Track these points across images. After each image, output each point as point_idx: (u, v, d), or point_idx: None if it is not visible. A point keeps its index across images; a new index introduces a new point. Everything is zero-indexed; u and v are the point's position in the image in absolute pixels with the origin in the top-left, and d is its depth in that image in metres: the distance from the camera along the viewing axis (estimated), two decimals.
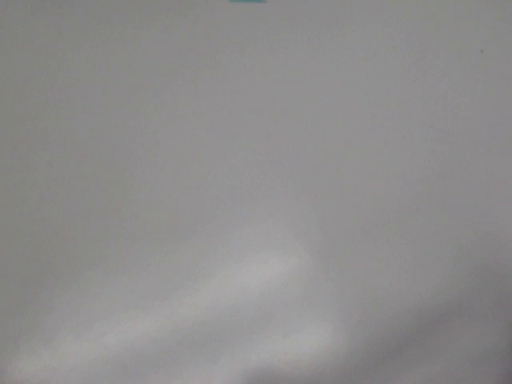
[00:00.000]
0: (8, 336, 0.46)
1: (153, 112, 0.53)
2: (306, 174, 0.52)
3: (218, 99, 0.55)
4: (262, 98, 0.55)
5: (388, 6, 0.59)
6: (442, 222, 0.51)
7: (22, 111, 0.55)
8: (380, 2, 0.59)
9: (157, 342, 0.44)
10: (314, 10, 0.59)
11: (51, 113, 0.49)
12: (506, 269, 0.49)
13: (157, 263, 0.47)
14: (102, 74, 0.56)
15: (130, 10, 0.60)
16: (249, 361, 0.45)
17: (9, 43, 0.57)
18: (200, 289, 0.45)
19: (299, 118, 0.55)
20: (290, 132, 0.54)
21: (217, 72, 0.56)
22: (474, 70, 0.57)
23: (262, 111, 0.55)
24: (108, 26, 0.58)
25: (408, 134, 0.54)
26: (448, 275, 0.49)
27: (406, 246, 0.50)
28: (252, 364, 0.45)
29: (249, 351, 0.46)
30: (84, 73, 0.56)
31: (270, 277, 0.49)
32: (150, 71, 0.55)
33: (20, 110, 0.55)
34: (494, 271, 0.49)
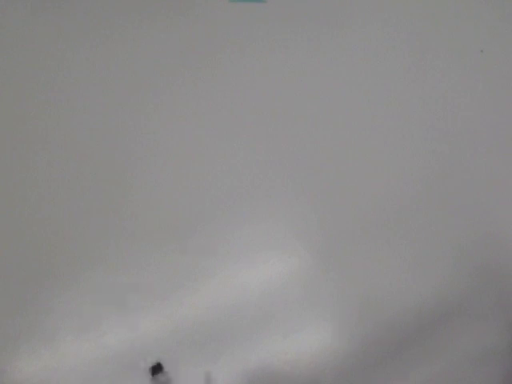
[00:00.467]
0: (8, 336, 0.46)
1: (153, 112, 0.53)
2: (306, 174, 0.52)
3: (218, 99, 0.55)
4: (262, 98, 0.55)
5: (388, 5, 0.59)
6: (442, 222, 0.51)
7: (22, 111, 0.55)
8: (380, 2, 0.59)
9: (157, 341, 0.44)
10: (314, 10, 0.59)
11: (51, 113, 0.49)
12: (506, 269, 0.49)
13: (157, 263, 0.47)
14: (102, 74, 0.56)
15: (130, 10, 0.60)
16: (249, 361, 0.45)
17: (9, 43, 0.57)
18: (200, 289, 0.45)
19: (299, 117, 0.55)
20: (290, 132, 0.54)
21: (217, 72, 0.56)
22: (474, 70, 0.57)
23: (262, 111, 0.55)
24: (108, 26, 0.58)
25: (408, 134, 0.54)
26: (448, 275, 0.49)
27: (406, 246, 0.50)
28: (252, 364, 0.45)
29: (249, 351, 0.46)
30: (84, 73, 0.56)
31: (269, 277, 0.49)
32: (149, 71, 0.55)
33: (20, 110, 0.55)
34: (494, 271, 0.49)
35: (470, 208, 0.51)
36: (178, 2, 0.60)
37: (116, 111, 0.52)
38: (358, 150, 0.53)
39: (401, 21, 0.59)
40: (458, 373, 0.46)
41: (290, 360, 0.46)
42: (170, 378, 0.40)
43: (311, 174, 0.52)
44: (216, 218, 0.50)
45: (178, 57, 0.56)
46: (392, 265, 0.49)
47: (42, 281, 0.48)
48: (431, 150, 0.53)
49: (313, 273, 0.49)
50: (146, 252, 0.47)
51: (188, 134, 0.53)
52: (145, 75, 0.54)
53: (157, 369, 0.42)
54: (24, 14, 0.58)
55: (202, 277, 0.47)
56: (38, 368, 0.45)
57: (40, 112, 0.54)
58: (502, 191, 0.52)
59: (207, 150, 0.53)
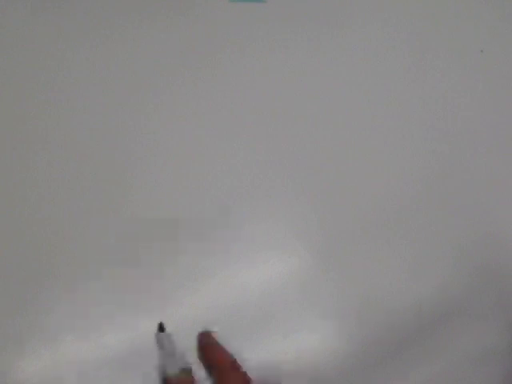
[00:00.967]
0: (8, 336, 0.46)
1: (153, 112, 0.53)
2: (306, 174, 0.52)
3: (217, 99, 0.55)
4: (262, 98, 0.55)
5: (388, 5, 0.59)
6: (442, 221, 0.51)
7: (22, 111, 0.55)
8: (380, 2, 0.59)
9: None
10: (314, 10, 0.59)
11: (51, 113, 0.49)
12: (506, 269, 0.49)
13: (157, 263, 0.47)
14: (102, 74, 0.56)
15: (130, 10, 0.60)
16: (249, 361, 0.45)
17: (9, 43, 0.57)
18: (200, 289, 0.45)
19: (299, 118, 0.55)
20: (290, 132, 0.54)
21: (217, 72, 0.56)
22: (474, 70, 0.57)
23: (262, 111, 0.55)
24: (108, 26, 0.58)
25: (408, 134, 0.54)
26: (448, 275, 0.49)
27: (406, 246, 0.50)
28: (252, 364, 0.45)
29: (249, 351, 0.46)
30: (84, 73, 0.56)
31: (270, 277, 0.49)
32: (150, 71, 0.55)
33: (20, 110, 0.55)
34: (495, 271, 0.49)
35: (470, 208, 0.51)
36: (177, 1, 0.60)
37: (116, 111, 0.52)
38: (358, 149, 0.53)
39: (401, 21, 0.59)
40: (458, 373, 0.46)
41: (290, 360, 0.46)
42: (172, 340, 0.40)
43: (311, 173, 0.52)
44: (216, 218, 0.50)
45: (177, 57, 0.56)
46: (392, 265, 0.49)
47: (42, 281, 0.48)
48: (431, 150, 0.53)
49: (313, 273, 0.49)
50: (146, 252, 0.47)
51: (188, 134, 0.53)
52: (145, 75, 0.54)
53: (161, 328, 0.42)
54: (24, 14, 0.58)
55: (202, 277, 0.47)
56: (38, 368, 0.45)
57: (40, 112, 0.54)
58: (502, 191, 0.52)
59: (207, 149, 0.53)
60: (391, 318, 0.47)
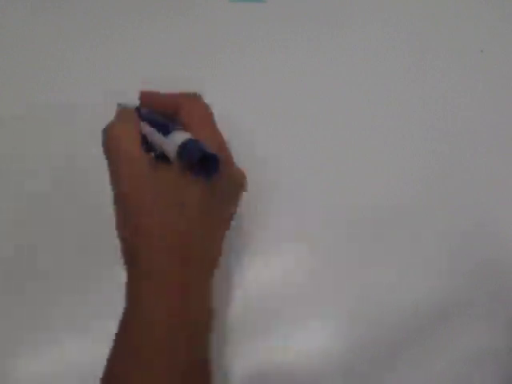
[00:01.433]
0: (8, 336, 0.46)
1: None
2: (306, 174, 0.52)
3: (217, 99, 0.55)
4: (262, 98, 0.55)
5: (388, 5, 0.59)
6: (442, 221, 0.51)
7: (22, 111, 0.55)
8: (380, 2, 0.59)
9: None
10: (314, 10, 0.59)
11: (51, 113, 0.49)
12: (506, 269, 0.49)
13: None
14: (102, 74, 0.56)
15: (130, 10, 0.60)
16: (249, 361, 0.45)
17: (9, 43, 0.57)
18: None
19: (299, 117, 0.55)
20: (290, 132, 0.54)
21: (217, 72, 0.56)
22: (474, 70, 0.57)
23: (262, 111, 0.55)
24: (108, 26, 0.58)
25: (408, 133, 0.54)
26: (448, 275, 0.49)
27: (405, 246, 0.50)
28: (252, 364, 0.45)
29: (249, 351, 0.46)
30: (84, 73, 0.56)
31: (270, 276, 0.49)
32: (150, 71, 0.55)
33: (20, 110, 0.55)
34: (494, 271, 0.49)
35: (469, 207, 0.51)
36: (178, 2, 0.60)
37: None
38: (358, 149, 0.53)
39: (401, 21, 0.59)
40: (457, 373, 0.46)
41: (290, 360, 0.46)
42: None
43: (311, 173, 0.52)
44: None
45: (178, 57, 0.56)
46: (392, 265, 0.49)
47: (42, 281, 0.48)
48: (431, 149, 0.53)
49: (313, 273, 0.49)
50: None
51: None
52: (145, 75, 0.54)
53: None
54: (24, 14, 0.58)
55: None
56: (38, 368, 0.45)
57: (40, 112, 0.54)
58: (503, 191, 0.52)
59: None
60: (390, 319, 0.47)
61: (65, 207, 0.50)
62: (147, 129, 0.37)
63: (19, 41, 0.57)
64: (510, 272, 0.49)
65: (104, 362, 0.35)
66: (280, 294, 0.48)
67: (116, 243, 0.38)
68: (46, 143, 0.53)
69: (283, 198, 0.51)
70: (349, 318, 0.47)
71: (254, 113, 0.54)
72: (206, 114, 0.39)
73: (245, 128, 0.54)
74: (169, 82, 0.55)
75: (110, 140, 0.36)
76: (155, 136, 0.36)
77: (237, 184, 0.40)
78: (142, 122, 0.38)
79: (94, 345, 0.41)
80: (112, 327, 0.36)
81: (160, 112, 0.39)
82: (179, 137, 0.34)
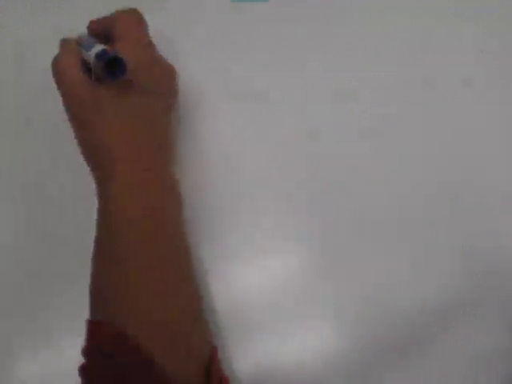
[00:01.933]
0: (8, 336, 0.46)
1: None
2: (306, 174, 0.52)
3: (218, 99, 0.55)
4: (262, 98, 0.55)
5: (388, 5, 0.59)
6: (443, 222, 0.51)
7: (22, 111, 0.55)
8: (380, 2, 0.59)
9: None
10: (317, 10, 0.58)
11: (51, 113, 0.49)
12: (506, 269, 0.49)
13: None
14: None
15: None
16: (248, 361, 0.45)
17: (9, 43, 0.57)
18: (200, 289, 0.45)
19: (299, 117, 0.55)
20: (290, 131, 0.54)
21: (218, 72, 0.56)
22: (474, 70, 0.57)
23: (262, 111, 0.55)
24: None
25: (408, 133, 0.54)
26: (448, 275, 0.49)
27: (406, 246, 0.50)
28: (252, 364, 0.45)
29: (249, 351, 0.46)
30: None
31: (270, 276, 0.49)
32: None
33: (20, 110, 0.55)
34: (495, 271, 0.49)
35: (470, 208, 0.51)
36: (178, 1, 0.60)
37: None
38: (357, 149, 0.53)
39: (401, 21, 0.59)
40: (458, 373, 0.46)
41: (291, 360, 0.46)
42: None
43: (311, 173, 0.52)
44: (215, 219, 0.50)
45: (178, 56, 0.56)
46: (392, 265, 0.49)
47: (42, 281, 0.48)
48: (432, 149, 0.53)
49: (313, 273, 0.49)
50: None
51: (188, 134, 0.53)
52: None
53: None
54: (24, 14, 0.58)
55: (202, 277, 0.47)
56: (38, 368, 0.45)
57: (40, 112, 0.54)
58: (503, 190, 0.52)
59: (207, 149, 0.53)
60: (391, 319, 0.47)
61: (65, 206, 0.51)
62: (83, 53, 0.42)
63: (19, 41, 0.57)
64: (510, 272, 0.49)
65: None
66: (280, 294, 0.48)
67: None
68: (46, 143, 0.53)
69: (282, 198, 0.51)
70: (349, 318, 0.47)
71: (255, 113, 0.54)
72: (134, 24, 0.45)
73: (247, 129, 0.54)
74: None
75: (55, 70, 0.43)
76: (85, 54, 0.42)
77: (166, 71, 0.47)
78: (81, 49, 0.43)
79: None
80: None
81: (106, 34, 0.45)
82: (96, 49, 0.40)
